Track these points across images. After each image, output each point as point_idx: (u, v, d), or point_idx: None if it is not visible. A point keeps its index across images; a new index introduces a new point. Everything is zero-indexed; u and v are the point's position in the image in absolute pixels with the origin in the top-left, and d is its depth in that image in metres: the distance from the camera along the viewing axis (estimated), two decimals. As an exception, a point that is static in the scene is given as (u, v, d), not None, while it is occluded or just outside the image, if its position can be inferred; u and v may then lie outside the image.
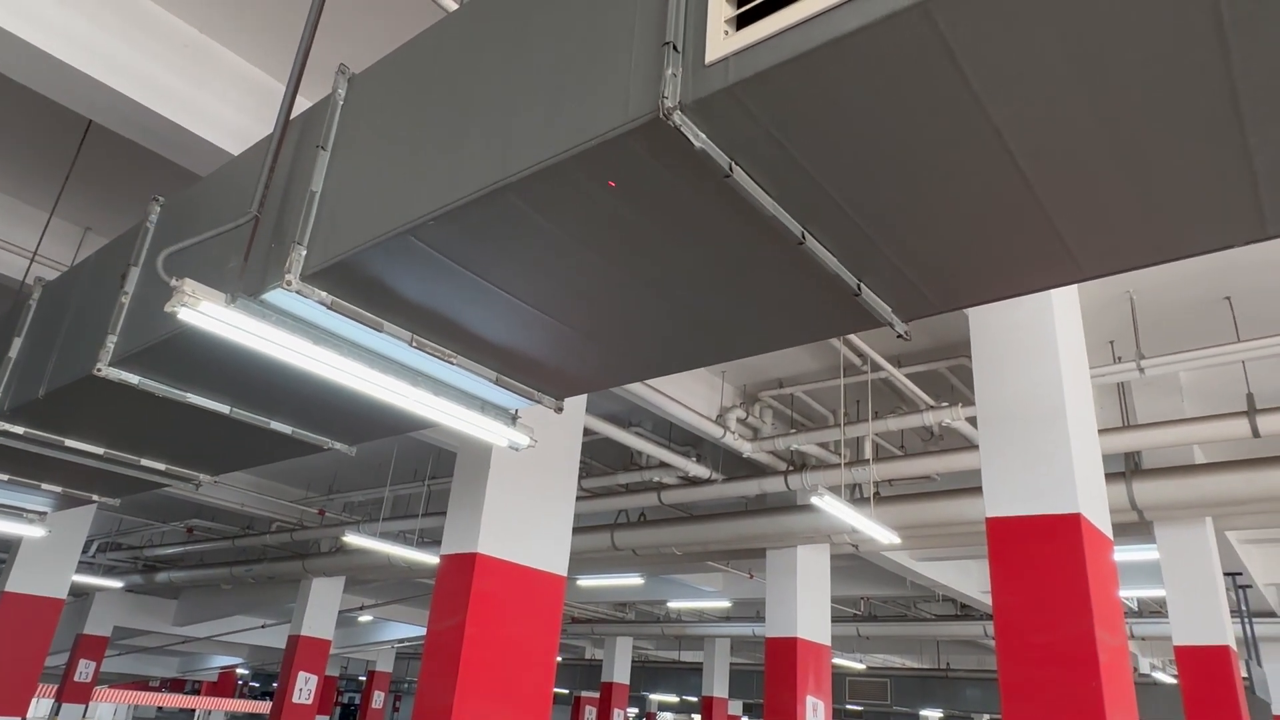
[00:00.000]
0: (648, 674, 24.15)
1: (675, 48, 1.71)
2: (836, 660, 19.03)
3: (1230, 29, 1.44)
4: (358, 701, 38.78)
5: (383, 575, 12.64)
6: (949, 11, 1.44)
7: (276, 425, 3.83)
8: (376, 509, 13.72)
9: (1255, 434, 5.86)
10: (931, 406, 6.83)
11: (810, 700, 8.36)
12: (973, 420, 6.95)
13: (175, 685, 33.23)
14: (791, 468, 8.27)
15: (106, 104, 4.09)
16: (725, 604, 15.54)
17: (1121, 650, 4.33)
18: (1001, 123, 1.69)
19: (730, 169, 1.83)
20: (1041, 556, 4.38)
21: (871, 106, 1.66)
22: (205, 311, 2.47)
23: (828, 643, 8.87)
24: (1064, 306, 5.13)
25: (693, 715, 34.70)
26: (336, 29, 4.59)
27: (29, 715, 9.54)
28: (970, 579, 11.84)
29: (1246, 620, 10.07)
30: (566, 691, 25.98)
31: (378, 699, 24.67)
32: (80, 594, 17.63)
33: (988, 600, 12.14)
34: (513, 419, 3.36)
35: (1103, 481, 4.96)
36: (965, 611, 14.89)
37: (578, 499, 9.38)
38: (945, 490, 7.67)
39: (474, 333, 2.74)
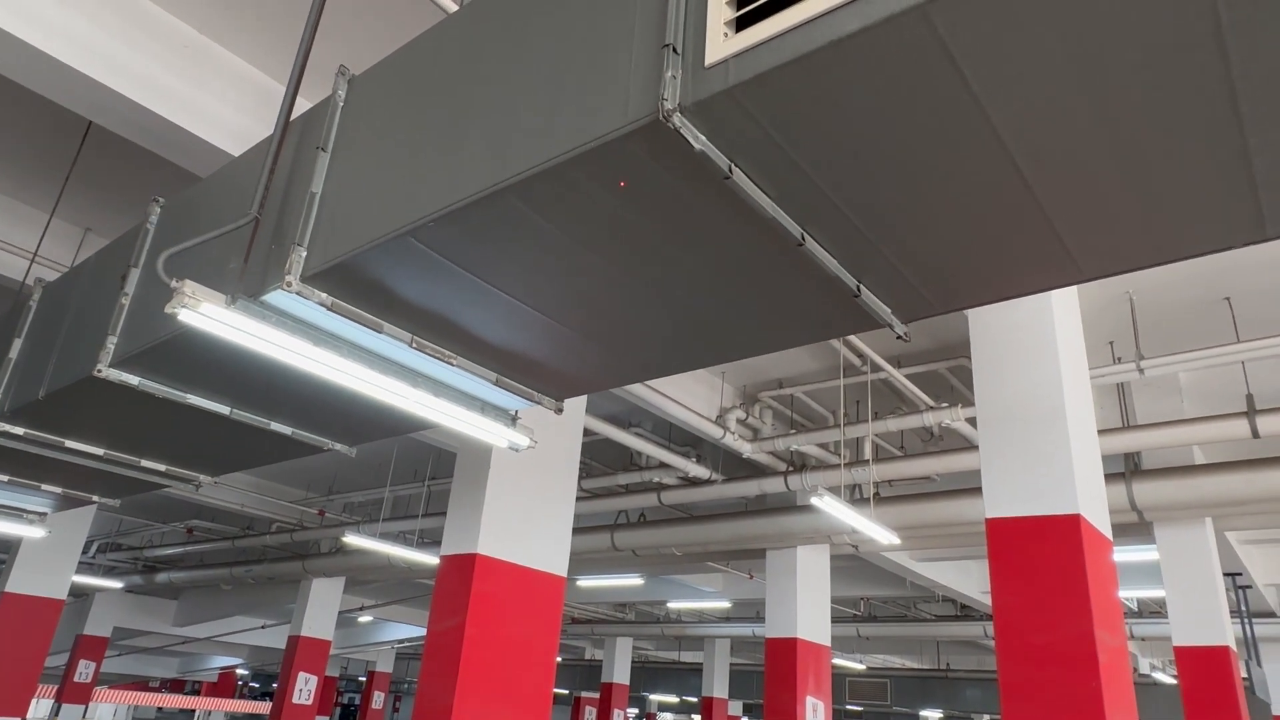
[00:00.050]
0: (648, 674, 24.15)
1: (675, 49, 1.71)
2: (836, 661, 19.04)
3: (1229, 31, 1.45)
4: (358, 702, 38.79)
5: (383, 576, 12.64)
6: (948, 14, 1.44)
7: (276, 426, 3.83)
8: (376, 509, 13.72)
9: (1255, 434, 5.86)
10: (931, 407, 6.84)
11: (810, 701, 8.37)
12: (972, 421, 6.95)
13: (175, 686, 33.23)
14: (791, 468, 8.28)
15: (106, 105, 4.09)
16: (725, 604, 15.54)
17: (1121, 650, 4.34)
18: (1001, 124, 1.69)
19: (730, 170, 1.83)
20: (1041, 557, 4.38)
21: (871, 108, 1.66)
22: (205, 313, 2.47)
23: (828, 643, 8.88)
24: (1064, 307, 5.13)
25: (693, 715, 34.69)
26: (336, 30, 4.59)
27: (29, 716, 9.54)
28: (970, 579, 11.84)
29: (1246, 620, 10.07)
30: (566, 692, 25.98)
31: (378, 699, 24.67)
32: (80, 594, 17.63)
33: (988, 601, 12.14)
34: (513, 420, 3.36)
35: (1102, 482, 4.96)
36: (965, 612, 14.89)
37: (578, 499, 9.38)
38: (945, 491, 7.67)
39: (474, 334, 2.74)
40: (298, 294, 2.43)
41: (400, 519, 11.84)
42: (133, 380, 3.34)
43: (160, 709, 30.04)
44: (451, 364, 2.86)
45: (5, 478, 4.91)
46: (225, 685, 27.95)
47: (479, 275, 2.38)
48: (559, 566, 5.87)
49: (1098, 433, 6.01)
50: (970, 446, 7.06)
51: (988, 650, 20.77)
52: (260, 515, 12.85)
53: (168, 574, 15.77)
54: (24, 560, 9.68)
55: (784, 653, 8.52)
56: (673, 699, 29.55)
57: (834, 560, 11.77)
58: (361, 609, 17.74)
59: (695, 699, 23.91)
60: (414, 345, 2.75)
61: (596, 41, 1.90)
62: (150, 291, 3.25)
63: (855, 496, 8.99)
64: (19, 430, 4.06)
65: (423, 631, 20.84)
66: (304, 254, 2.45)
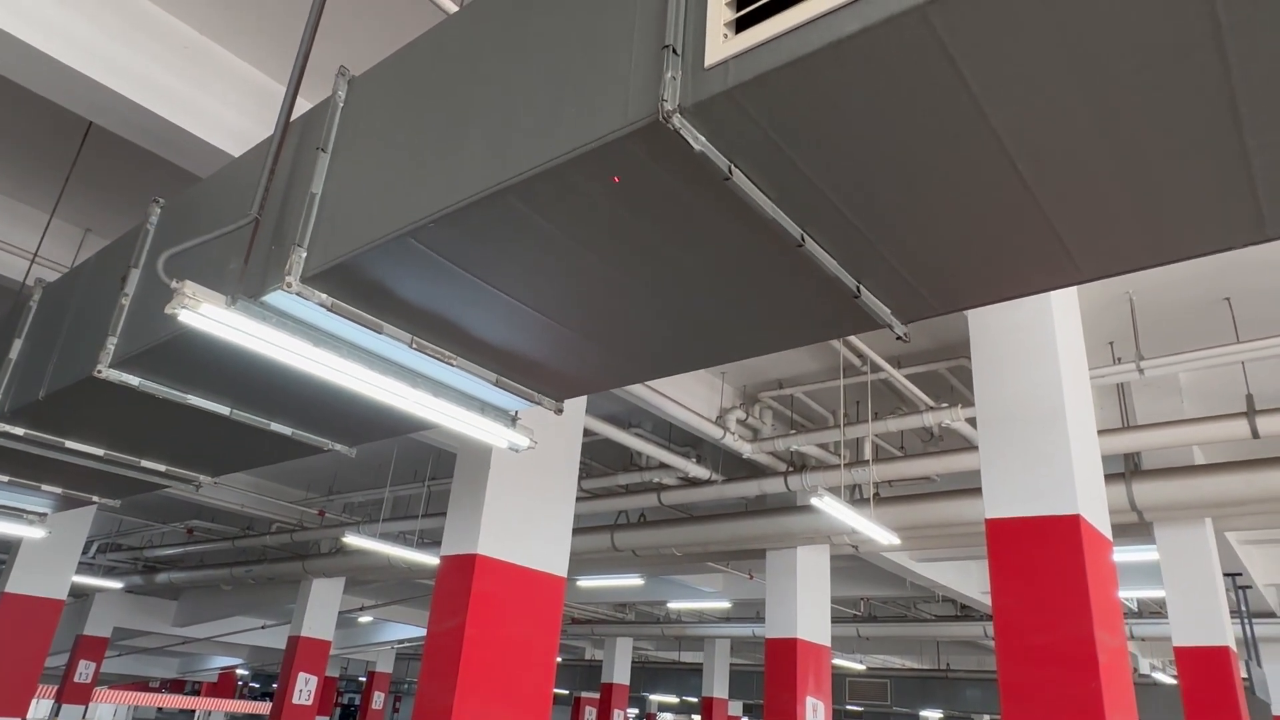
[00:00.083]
0: (648, 675, 24.15)
1: (675, 51, 1.71)
2: (836, 661, 19.04)
3: (1228, 33, 1.45)
4: (358, 702, 38.78)
5: (383, 576, 12.64)
6: (947, 15, 1.44)
7: (277, 427, 3.83)
8: (376, 510, 13.72)
9: (1255, 435, 5.86)
10: (931, 407, 6.84)
11: (810, 701, 8.37)
12: (972, 421, 6.95)
13: (175, 686, 33.23)
14: (791, 469, 8.28)
15: (106, 105, 4.09)
16: (725, 605, 15.54)
17: (1121, 651, 4.34)
18: (1000, 125, 1.69)
19: (729, 171, 1.83)
20: (1041, 557, 4.38)
21: (871, 109, 1.67)
22: (205, 313, 2.47)
23: (828, 643, 8.88)
24: (1063, 308, 5.13)
25: (693, 716, 34.69)
26: (336, 31, 4.59)
27: (29, 716, 9.54)
28: (970, 580, 11.84)
29: (1246, 621, 10.08)
30: (566, 692, 25.98)
31: (378, 700, 24.67)
32: (80, 595, 17.64)
33: (987, 601, 12.14)
34: (512, 420, 3.36)
35: (1102, 482, 4.96)
36: (965, 612, 14.89)
37: (578, 500, 9.38)
38: (945, 491, 7.67)
39: (474, 334, 2.74)
40: (298, 294, 2.43)
41: (400, 519, 11.84)
42: (133, 381, 3.34)
43: (160, 709, 30.06)
44: (451, 364, 2.86)
45: (5, 478, 4.91)
46: (225, 685, 27.95)
47: (479, 276, 2.38)
48: (559, 567, 5.87)
49: (1098, 433, 6.02)
50: (970, 447, 7.06)
51: (988, 650, 20.77)
52: (260, 515, 12.86)
53: (168, 574, 15.77)
54: (24, 560, 9.68)
55: (784, 653, 8.52)
56: (673, 699, 29.55)
57: (834, 560, 11.77)
58: (361, 609, 17.74)
59: (695, 699, 23.91)
60: (414, 346, 2.75)
61: (596, 42, 1.90)
62: (150, 292, 3.25)
63: (855, 497, 8.99)
64: (19, 431, 4.06)
65: (423, 632, 20.85)
66: (304, 255, 2.45)
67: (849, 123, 1.70)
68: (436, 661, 5.21)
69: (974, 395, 5.15)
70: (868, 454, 7.65)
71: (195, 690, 33.11)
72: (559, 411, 3.26)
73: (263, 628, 18.79)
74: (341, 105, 2.68)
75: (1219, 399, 7.87)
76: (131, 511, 15.05)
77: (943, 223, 2.00)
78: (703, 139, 1.76)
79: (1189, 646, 7.08)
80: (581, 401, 6.48)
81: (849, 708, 21.17)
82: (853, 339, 6.67)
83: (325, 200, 2.52)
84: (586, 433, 7.79)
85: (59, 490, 5.16)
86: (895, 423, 7.04)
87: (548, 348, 2.80)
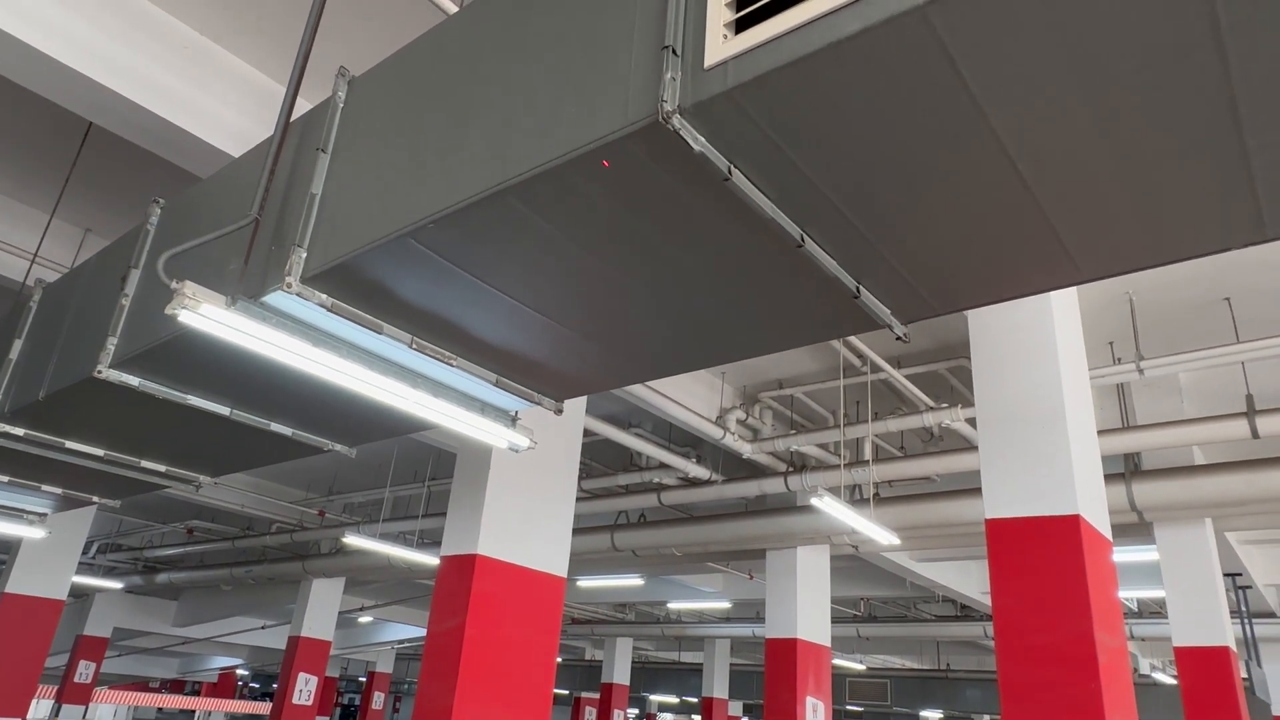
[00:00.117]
0: (648, 675, 24.15)
1: (674, 51, 1.71)
2: (836, 661, 19.04)
3: (1227, 33, 1.45)
4: (358, 702, 38.78)
5: (383, 576, 12.64)
6: (947, 15, 1.45)
7: (277, 427, 3.83)
8: (376, 510, 13.72)
9: (1255, 435, 5.86)
10: (931, 408, 6.84)
11: (810, 701, 8.37)
12: (972, 421, 6.95)
13: (175, 686, 33.23)
14: (791, 469, 8.28)
15: (106, 105, 4.09)
16: (725, 605, 15.54)
17: (1121, 651, 4.34)
18: (1000, 125, 1.69)
19: (729, 172, 1.83)
20: (1041, 558, 4.39)
21: (871, 110, 1.67)
22: (205, 314, 2.47)
23: (828, 643, 8.88)
24: (1063, 308, 5.13)
25: (693, 716, 34.69)
26: (336, 31, 4.60)
27: (29, 716, 9.54)
28: (970, 580, 11.84)
29: (1246, 621, 10.08)
30: (566, 692, 25.98)
31: (378, 700, 24.67)
32: (80, 595, 17.64)
33: (987, 601, 12.14)
34: (512, 420, 3.36)
35: (1102, 483, 4.97)
36: (965, 612, 14.89)
37: (578, 500, 9.38)
38: (945, 491, 7.67)
39: (474, 335, 2.74)
40: (298, 295, 2.44)
41: (400, 519, 11.85)
42: (133, 381, 3.34)
43: (160, 709, 30.05)
44: (451, 365, 2.86)
45: (5, 478, 4.91)
46: (225, 686, 27.95)
47: (479, 276, 2.38)
48: (559, 567, 5.88)
49: (1098, 433, 6.02)
50: (970, 447, 7.06)
51: (988, 650, 20.77)
52: (260, 516, 12.86)
53: (168, 574, 15.77)
54: (24, 561, 9.68)
55: (784, 653, 8.52)
56: (673, 699, 29.55)
57: (834, 560, 11.77)
58: (361, 609, 17.74)
59: (695, 699, 23.91)
60: (414, 346, 2.75)
61: (596, 43, 1.90)
62: (150, 292, 3.25)
63: (855, 497, 8.99)
64: (19, 431, 4.06)
65: (423, 632, 20.85)
66: (304, 255, 2.45)
67: (849, 123, 1.70)
68: (436, 662, 5.21)
69: (974, 395, 5.15)
70: (868, 454, 7.66)
71: (195, 690, 33.12)
72: (559, 412, 3.26)
73: (263, 628, 18.79)
74: (341, 106, 2.68)
75: (1219, 399, 7.87)
76: (131, 512, 15.05)
77: (942, 223, 2.00)
78: (702, 139, 1.76)
79: (1189, 646, 7.08)
80: (581, 402, 6.48)
81: (849, 708, 21.18)
82: (853, 339, 6.67)
83: (325, 201, 2.52)
84: (586, 433, 7.79)
85: (59, 490, 5.16)
86: (895, 423, 7.04)
87: (548, 348, 2.80)
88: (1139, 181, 1.82)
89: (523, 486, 5.76)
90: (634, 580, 11.83)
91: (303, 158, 2.73)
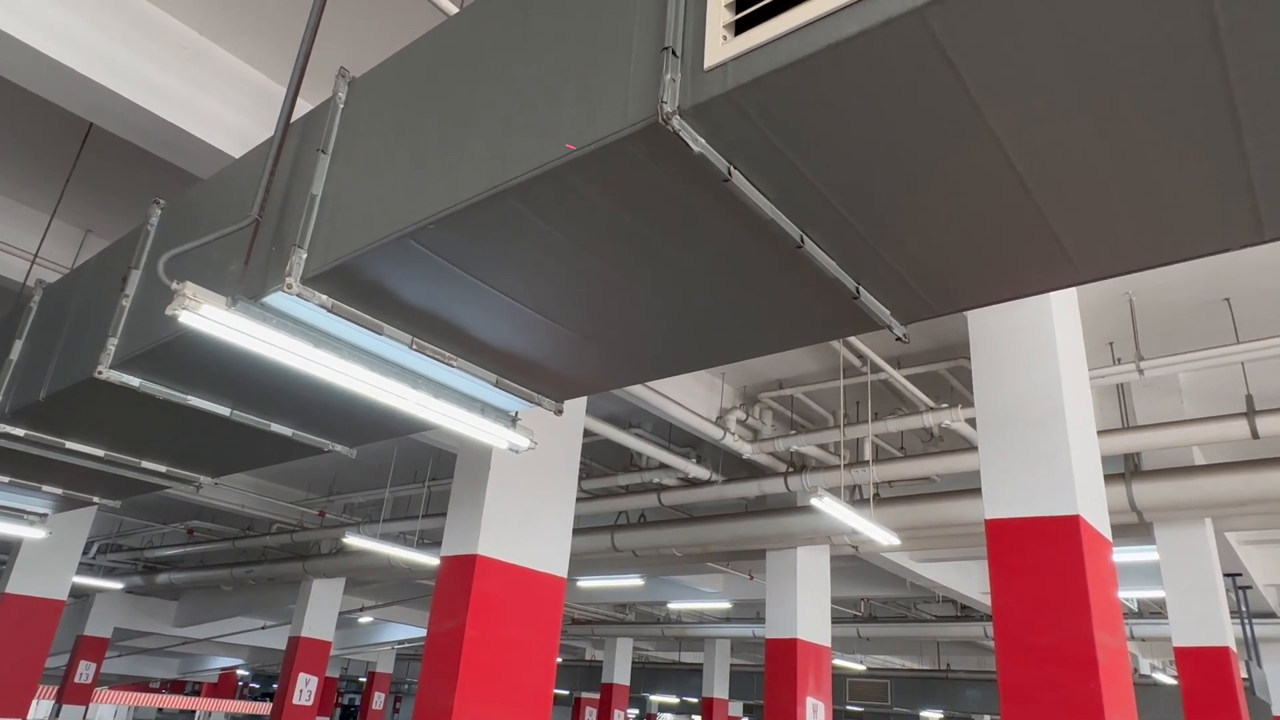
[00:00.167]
0: (648, 675, 24.15)
1: (674, 53, 1.72)
2: (837, 661, 19.04)
3: (1226, 35, 1.45)
4: (358, 703, 38.78)
5: (383, 577, 12.64)
6: (946, 17, 1.45)
7: (277, 427, 3.83)
8: (377, 510, 13.73)
9: (1254, 435, 5.86)
10: (931, 408, 6.84)
11: (810, 701, 8.37)
12: (972, 422, 6.95)
13: (176, 687, 33.24)
14: (791, 469, 8.28)
15: (106, 106, 4.10)
16: (725, 605, 15.54)
17: (1121, 651, 4.34)
18: (999, 127, 1.69)
19: (729, 173, 1.83)
20: (1041, 558, 4.39)
21: (869, 111, 1.67)
22: (206, 314, 2.47)
23: (828, 644, 8.88)
24: (1063, 308, 5.14)
25: (693, 716, 34.69)
26: (337, 32, 4.60)
27: (29, 717, 9.54)
28: (970, 580, 11.84)
29: (1246, 621, 10.08)
30: (567, 693, 25.99)
31: (378, 700, 24.67)
32: (80, 595, 17.64)
33: (988, 601, 12.14)
34: (513, 421, 3.37)
35: (1102, 483, 4.97)
36: (965, 613, 14.89)
37: (578, 500, 9.38)
38: (945, 492, 7.67)
39: (474, 335, 2.74)
40: (298, 296, 2.44)
41: (400, 520, 11.85)
42: (133, 382, 3.34)
43: (160, 710, 30.05)
44: (451, 365, 2.87)
45: (6, 479, 4.92)
46: (225, 686, 27.95)
47: (479, 277, 2.38)
48: (559, 567, 5.88)
49: (1097, 433, 6.02)
50: (970, 447, 7.06)
51: (988, 651, 20.77)
52: (260, 516, 12.86)
53: (168, 575, 15.77)
54: (24, 561, 9.68)
55: (784, 653, 8.52)
56: (673, 699, 29.55)
57: (834, 561, 11.77)
58: (362, 610, 17.74)
59: (695, 699, 23.91)
60: (414, 347, 2.76)
61: (596, 44, 1.90)
62: (151, 293, 3.25)
63: (855, 497, 8.99)
64: (20, 431, 4.06)
65: (423, 632, 20.85)
66: (304, 256, 2.46)
67: (848, 124, 1.71)
68: (437, 662, 5.21)
69: (974, 396, 5.15)
70: (868, 454, 7.66)
71: (195, 691, 33.12)
72: (559, 412, 3.27)
73: (263, 628, 18.79)
74: (342, 106, 2.68)
75: (1219, 399, 7.87)
76: (132, 512, 15.05)
77: (942, 223, 2.00)
78: (702, 140, 1.76)
79: (1189, 647, 7.08)
80: (581, 402, 6.49)
81: (849, 708, 21.18)
82: (853, 339, 6.67)
83: (325, 201, 2.52)
84: (586, 433, 7.79)
85: (59, 491, 5.16)
86: (895, 423, 7.04)
87: (548, 349, 2.80)
88: (1138, 182, 1.82)
89: (523, 487, 5.76)
90: (634, 580, 11.83)
91: (303, 158, 2.73)
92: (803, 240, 2.06)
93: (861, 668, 19.45)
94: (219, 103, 4.49)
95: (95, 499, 5.40)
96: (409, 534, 12.87)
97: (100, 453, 4.35)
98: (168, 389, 3.45)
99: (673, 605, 15.75)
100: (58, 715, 16.13)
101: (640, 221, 2.06)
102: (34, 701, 10.79)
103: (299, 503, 13.09)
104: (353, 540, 9.37)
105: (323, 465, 11.92)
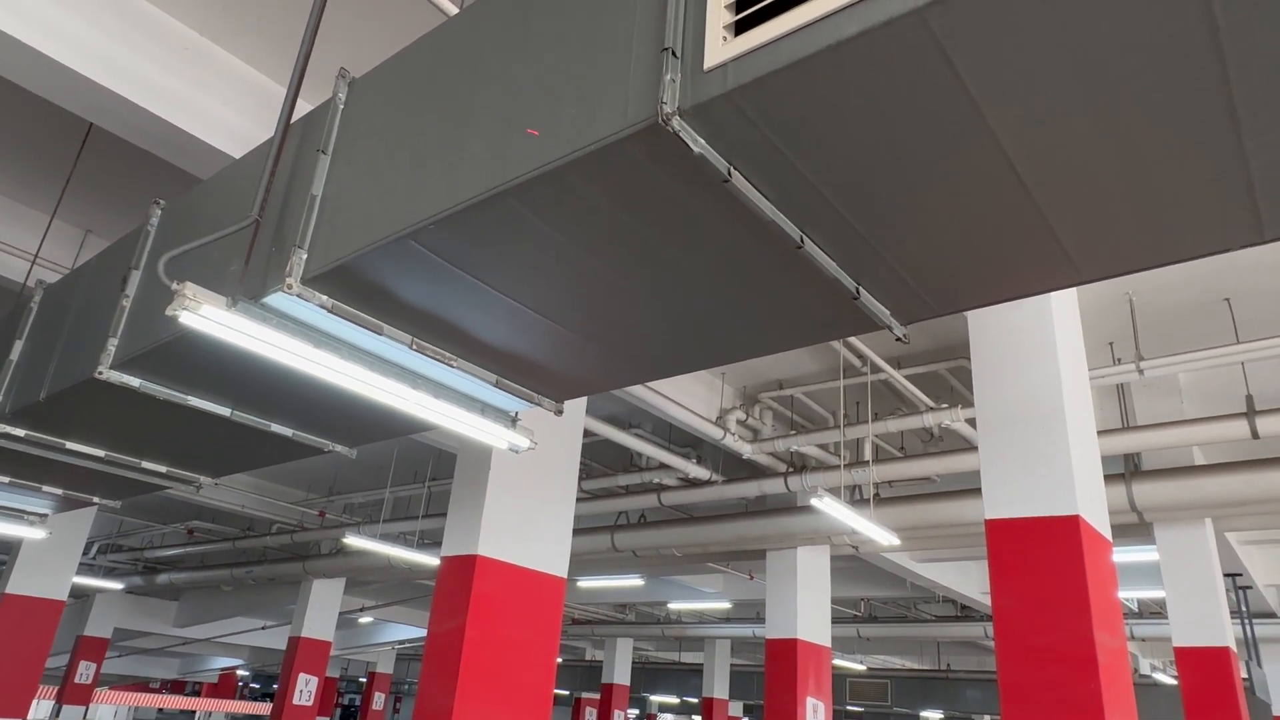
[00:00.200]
0: (648, 675, 24.15)
1: (674, 53, 1.72)
2: (837, 661, 19.04)
3: (1225, 35, 1.45)
4: (358, 703, 38.78)
5: (383, 577, 12.64)
6: (946, 18, 1.45)
7: (277, 428, 3.83)
8: (377, 510, 13.73)
9: (1255, 435, 5.86)
10: (931, 408, 6.84)
11: (810, 701, 8.37)
12: (972, 422, 6.95)
13: (176, 687, 33.24)
14: (791, 469, 8.28)
15: (106, 106, 4.10)
16: (725, 605, 15.54)
17: (1121, 651, 4.34)
18: (999, 127, 1.69)
19: (729, 174, 1.83)
20: (1041, 558, 4.39)
21: (869, 111, 1.67)
22: (206, 315, 2.47)
23: (828, 644, 8.88)
24: (1063, 309, 5.14)
25: (693, 716, 34.69)
26: (337, 32, 4.60)
27: (29, 717, 9.54)
28: (970, 580, 11.84)
29: (1246, 621, 10.08)
30: (567, 693, 25.99)
31: (378, 700, 24.67)
32: (81, 596, 17.64)
33: (987, 601, 12.14)
34: (513, 421, 3.37)
35: (1102, 483, 4.97)
36: (965, 613, 14.90)
37: (578, 500, 9.38)
38: (945, 492, 7.67)
39: (474, 336, 2.75)
40: (298, 296, 2.44)
41: (401, 520, 11.85)
42: (134, 382, 3.34)
43: (161, 710, 30.05)
44: (451, 366, 2.87)
45: (6, 479, 4.92)
46: (226, 686, 27.95)
47: (479, 278, 2.38)
48: (559, 567, 5.88)
49: (1097, 434, 6.02)
50: (970, 447, 7.06)
51: (988, 651, 20.77)
52: (261, 516, 12.86)
53: (168, 575, 15.77)
54: (25, 561, 9.68)
55: (784, 653, 8.52)
56: (673, 699, 29.54)
57: (834, 561, 11.77)
58: (362, 610, 17.74)
59: (695, 699, 23.91)
60: (414, 347, 2.76)
61: (596, 45, 1.90)
62: (151, 294, 3.25)
63: (855, 497, 8.99)
64: (20, 432, 4.06)
65: (423, 632, 20.85)
66: (304, 256, 2.46)
67: (848, 124, 1.71)
68: (437, 662, 5.21)
69: (974, 396, 5.15)
70: (868, 454, 7.66)
71: (196, 691, 33.12)
72: (559, 412, 3.27)
73: (263, 628, 18.79)
74: (342, 107, 2.68)
75: (1219, 399, 7.87)
76: (132, 512, 15.05)
77: (942, 224, 2.00)
78: (702, 141, 1.76)
79: (1189, 647, 7.08)
80: (581, 402, 6.49)
81: (849, 708, 21.17)
82: (853, 340, 6.67)
83: (326, 202, 2.52)
84: (586, 433, 7.79)
85: (60, 491, 5.16)
86: (895, 423, 7.04)
87: (548, 349, 2.80)
88: (1138, 182, 1.82)
89: (523, 487, 5.76)
90: (634, 581, 11.83)
91: (303, 159, 2.73)
92: (803, 241, 2.06)
93: (862, 668, 19.45)
94: (219, 103, 4.49)
95: (95, 499, 5.40)
96: (409, 534, 12.87)
97: (100, 453, 4.35)
98: (168, 389, 3.45)
99: (673, 605, 15.75)
100: (58, 715, 16.13)
101: (640, 222, 2.06)
102: (34, 702, 10.79)
103: (299, 503, 13.09)
104: (353, 540, 9.37)
105: (323, 465, 11.92)
